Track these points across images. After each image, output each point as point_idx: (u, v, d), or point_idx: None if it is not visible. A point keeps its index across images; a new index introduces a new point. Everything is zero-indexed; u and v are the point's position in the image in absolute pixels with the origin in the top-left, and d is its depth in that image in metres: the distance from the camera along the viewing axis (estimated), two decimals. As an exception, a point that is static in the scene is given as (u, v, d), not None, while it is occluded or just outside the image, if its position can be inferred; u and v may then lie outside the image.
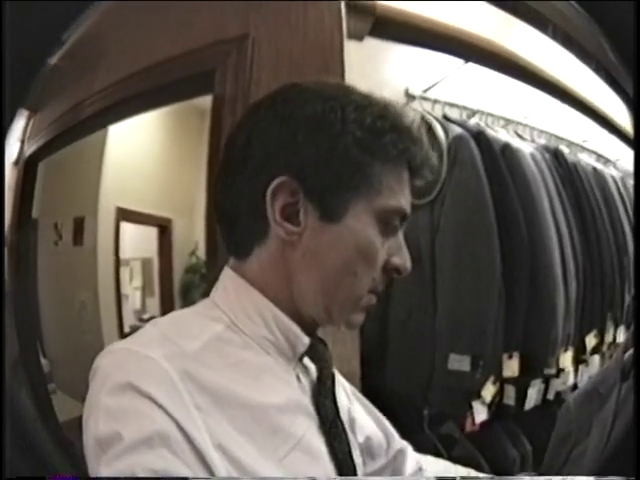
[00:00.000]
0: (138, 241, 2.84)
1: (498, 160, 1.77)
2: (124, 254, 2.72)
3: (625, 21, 0.70)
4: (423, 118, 1.79)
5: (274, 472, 0.80)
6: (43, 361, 2.45)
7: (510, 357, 1.76)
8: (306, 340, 0.89)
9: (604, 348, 2.03)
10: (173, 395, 0.72)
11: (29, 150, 2.57)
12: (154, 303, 2.71)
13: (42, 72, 0.68)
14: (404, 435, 1.80)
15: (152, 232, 2.84)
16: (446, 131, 1.76)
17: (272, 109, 0.86)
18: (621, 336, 2.04)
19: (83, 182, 2.66)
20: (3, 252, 0.78)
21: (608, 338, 2.04)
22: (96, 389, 0.73)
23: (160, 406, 0.70)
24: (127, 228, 2.71)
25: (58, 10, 0.67)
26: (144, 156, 2.56)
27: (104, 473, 0.68)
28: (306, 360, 0.92)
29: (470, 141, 1.75)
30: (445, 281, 1.72)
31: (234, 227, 0.89)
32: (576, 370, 1.94)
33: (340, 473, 0.91)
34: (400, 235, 0.90)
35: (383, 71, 1.86)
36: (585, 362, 1.97)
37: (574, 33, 1.87)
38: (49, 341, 2.50)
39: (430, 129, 1.77)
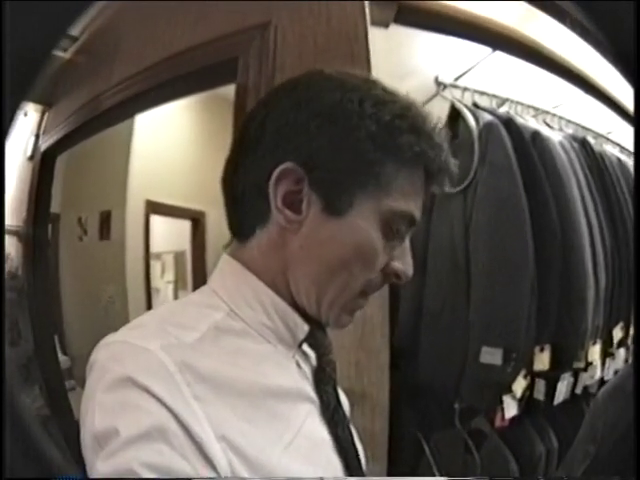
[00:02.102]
0: (170, 234, 2.78)
1: (529, 147, 1.73)
2: (155, 248, 2.67)
3: (625, 21, 0.66)
4: (454, 107, 1.76)
5: (280, 461, 0.78)
6: (62, 358, 2.41)
7: (542, 350, 1.72)
8: (306, 327, 0.87)
9: (629, 341, 2.01)
10: (171, 387, 0.70)
11: (45, 144, 2.49)
12: None
13: (49, 68, 0.64)
14: (434, 429, 1.79)
15: (185, 225, 2.78)
16: (477, 118, 1.72)
17: (292, 94, 0.84)
18: (646, 329, 2.02)
19: (109, 175, 2.59)
20: (3, 251, 0.72)
21: (632, 331, 2.02)
22: (93, 383, 0.72)
23: (158, 399, 0.69)
24: (157, 221, 2.66)
25: (58, 9, 0.63)
26: (172, 148, 2.50)
27: (101, 469, 0.66)
28: (306, 348, 0.91)
29: (501, 128, 1.70)
30: (478, 272, 1.67)
31: (238, 207, 0.87)
32: (603, 363, 1.91)
33: (345, 461, 0.90)
34: (406, 240, 0.87)
35: (412, 59, 1.82)
36: (612, 355, 1.94)
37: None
38: (71, 337, 2.43)
39: (460, 116, 1.73)
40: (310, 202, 0.80)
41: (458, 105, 1.74)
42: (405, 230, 0.85)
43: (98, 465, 0.66)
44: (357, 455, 0.94)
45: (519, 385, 1.70)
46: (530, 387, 1.75)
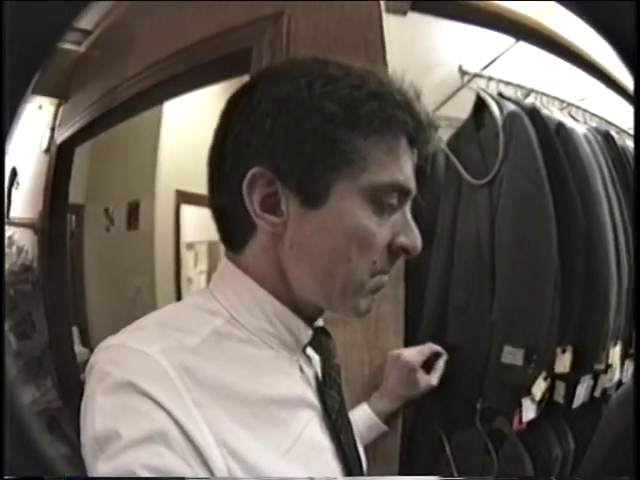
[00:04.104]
0: (203, 224, 2.73)
1: (553, 138, 1.67)
2: (188, 237, 2.64)
3: (625, 21, 0.66)
4: (479, 97, 1.69)
5: (278, 467, 0.78)
6: (81, 350, 2.38)
7: (564, 352, 1.65)
8: (309, 331, 0.88)
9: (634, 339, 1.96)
10: (171, 392, 0.71)
11: (61, 137, 2.45)
12: None
13: (52, 64, 0.63)
14: (455, 428, 1.73)
15: None
16: (501, 108, 1.66)
17: (244, 98, 0.83)
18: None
19: (137, 166, 2.54)
20: (3, 251, 0.69)
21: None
22: (93, 387, 0.72)
23: (158, 404, 0.69)
24: (189, 211, 2.61)
25: (60, 6, 0.61)
26: (201, 137, 2.43)
27: (102, 470, 0.66)
28: (310, 352, 0.91)
29: (525, 118, 1.64)
30: (503, 268, 1.61)
31: (224, 222, 0.87)
32: (622, 365, 1.85)
33: (346, 467, 0.89)
34: (406, 212, 0.83)
35: (434, 48, 1.76)
36: (631, 357, 1.88)
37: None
38: (95, 329, 2.40)
39: (485, 106, 1.67)
40: (287, 201, 0.79)
41: (483, 95, 1.68)
42: (399, 202, 0.81)
43: (99, 467, 0.66)
44: (359, 460, 0.94)
45: (539, 387, 1.64)
46: (550, 389, 1.69)
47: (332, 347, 0.94)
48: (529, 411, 1.65)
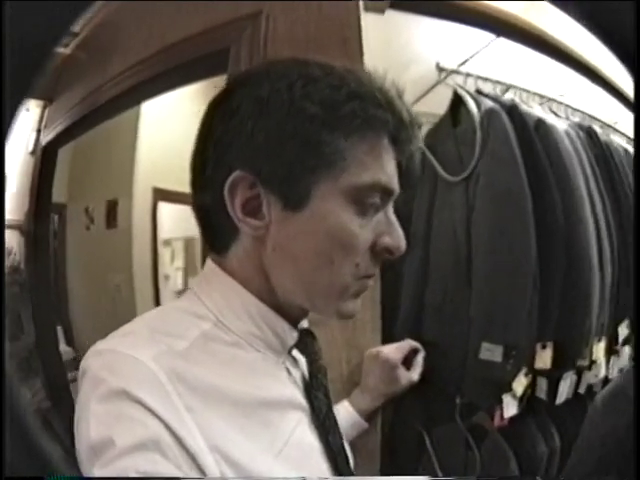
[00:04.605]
0: (179, 221, 2.77)
1: (532, 135, 1.67)
2: (164, 234, 2.68)
3: (625, 21, 0.64)
4: (456, 94, 1.69)
5: (271, 470, 0.78)
6: (66, 349, 2.41)
7: (544, 347, 1.65)
8: (295, 333, 0.88)
9: (634, 339, 1.94)
10: (163, 399, 0.71)
11: (46, 138, 2.50)
12: None
13: (49, 64, 0.64)
14: (435, 424, 1.73)
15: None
16: (478, 105, 1.65)
17: (224, 102, 0.83)
18: (652, 328, 1.96)
19: (116, 165, 2.59)
20: (3, 250, 0.70)
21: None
22: (87, 394, 0.72)
23: (151, 411, 0.69)
24: (165, 208, 2.65)
25: (59, 7, 0.62)
26: (178, 136, 2.48)
27: (98, 476, 0.67)
28: (296, 353, 0.91)
29: (503, 115, 1.64)
30: (480, 265, 1.61)
31: (208, 225, 0.87)
32: (607, 361, 1.85)
33: (335, 468, 0.90)
34: (389, 212, 0.83)
35: (412, 46, 1.76)
36: (616, 353, 1.88)
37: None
38: (77, 328, 2.44)
39: (462, 103, 1.67)
40: (269, 204, 0.78)
41: (460, 91, 1.68)
42: (382, 202, 0.81)
43: (95, 472, 0.67)
44: (347, 461, 0.94)
45: (520, 383, 1.63)
46: (531, 386, 1.68)
47: (317, 349, 0.94)
48: (510, 407, 1.64)
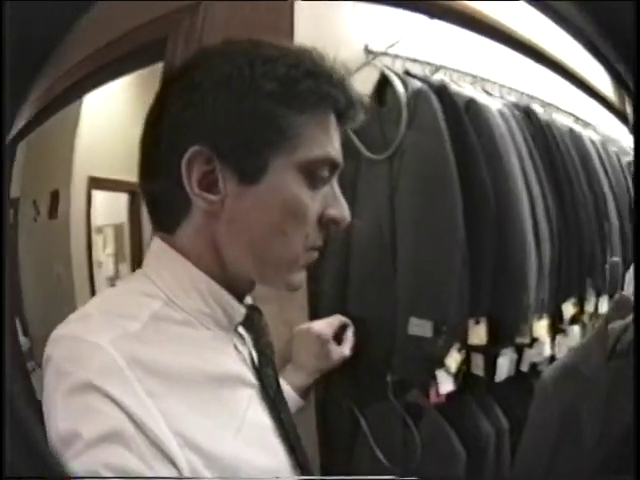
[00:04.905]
0: (110, 208, 2.87)
1: (461, 115, 1.67)
2: (97, 222, 2.77)
3: (625, 21, 0.67)
4: (383, 75, 1.71)
5: (232, 450, 0.80)
6: (23, 339, 2.47)
7: (477, 323, 1.64)
8: (242, 309, 0.89)
9: (585, 318, 1.93)
10: (125, 386, 0.72)
11: (9, 136, 2.61)
12: (126, 269, 2.73)
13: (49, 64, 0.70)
14: (369, 402, 1.73)
15: (123, 198, 2.87)
16: (406, 86, 1.67)
17: (183, 80, 0.84)
18: (604, 306, 1.94)
19: (58, 157, 2.69)
20: (3, 250, 0.75)
21: (589, 307, 1.94)
22: (53, 386, 0.74)
23: (115, 401, 0.71)
24: (99, 196, 2.75)
25: (59, 9, 0.67)
26: (113, 125, 2.58)
27: (72, 467, 0.67)
28: (242, 330, 0.92)
29: (431, 95, 1.65)
30: (404, 242, 1.63)
31: (157, 203, 0.88)
32: (553, 340, 1.83)
33: (289, 446, 0.91)
34: (334, 185, 0.87)
35: (343, 29, 1.78)
36: (563, 332, 1.86)
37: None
38: (31, 318, 2.51)
39: (389, 84, 1.69)
40: (225, 178, 0.80)
41: (387, 72, 1.70)
42: (329, 175, 0.85)
43: (69, 463, 0.68)
44: (299, 439, 0.95)
45: (453, 359, 1.63)
46: (467, 362, 1.68)
47: (264, 324, 0.95)
48: (445, 383, 1.64)
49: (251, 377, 0.89)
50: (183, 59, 1.72)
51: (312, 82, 0.80)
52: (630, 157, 2.29)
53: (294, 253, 0.85)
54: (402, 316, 1.62)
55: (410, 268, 1.62)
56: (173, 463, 0.72)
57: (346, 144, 1.67)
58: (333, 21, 1.75)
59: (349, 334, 1.59)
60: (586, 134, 2.10)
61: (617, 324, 1.46)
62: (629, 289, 1.68)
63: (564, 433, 1.49)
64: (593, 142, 2.09)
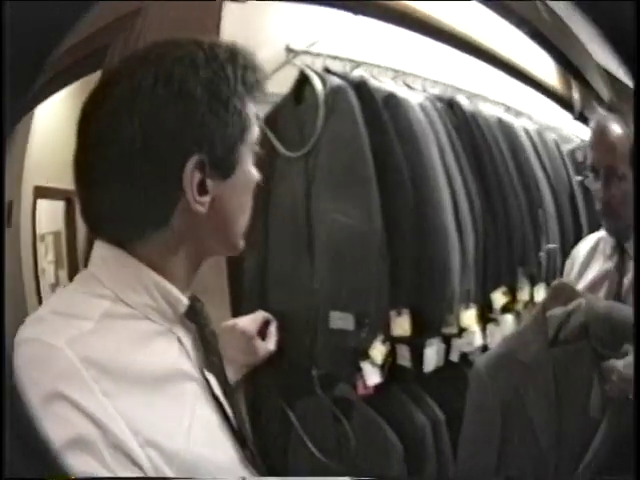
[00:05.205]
0: (50, 216, 2.92)
1: (380, 110, 1.69)
2: (40, 230, 2.82)
3: (625, 21, 0.69)
4: (302, 73, 1.73)
5: (187, 446, 0.82)
6: None
7: (399, 314, 1.66)
8: (185, 300, 0.90)
9: (519, 307, 1.93)
10: (84, 389, 0.73)
11: None
12: (64, 275, 2.76)
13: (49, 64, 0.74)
14: (298, 397, 1.76)
15: (60, 205, 2.92)
16: (324, 83, 1.69)
17: (158, 88, 0.83)
18: (540, 294, 1.94)
19: (14, 169, 2.76)
20: (3, 251, 0.79)
21: (523, 296, 1.94)
22: (27, 393, 0.73)
23: (78, 407, 0.72)
24: (43, 205, 2.81)
25: (59, 10, 0.71)
26: (57, 135, 2.64)
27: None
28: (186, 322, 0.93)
29: (349, 91, 1.67)
30: (322, 237, 1.65)
31: (117, 212, 0.86)
32: (483, 330, 1.83)
33: (239, 440, 0.94)
34: None
35: (266, 28, 1.82)
36: (494, 321, 1.87)
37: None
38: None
39: (308, 82, 1.71)
40: (213, 178, 0.85)
41: (306, 70, 1.72)
42: None
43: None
44: (246, 434, 0.97)
45: (378, 351, 1.65)
46: (393, 353, 1.69)
47: (206, 314, 0.97)
48: (372, 375, 1.65)
49: (194, 371, 0.90)
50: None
51: (253, 73, 0.88)
52: (572, 144, 2.30)
53: (246, 222, 0.93)
54: (323, 310, 1.65)
55: (328, 262, 1.65)
56: (136, 463, 0.74)
57: (263, 142, 1.72)
58: (258, 21, 1.78)
59: (272, 329, 1.61)
60: (519, 123, 2.10)
61: (557, 311, 1.47)
62: (570, 276, 1.69)
63: (510, 422, 1.50)
64: (527, 131, 2.10)
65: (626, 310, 1.53)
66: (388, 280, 1.64)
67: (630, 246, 1.57)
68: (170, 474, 0.78)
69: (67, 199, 2.83)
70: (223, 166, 0.85)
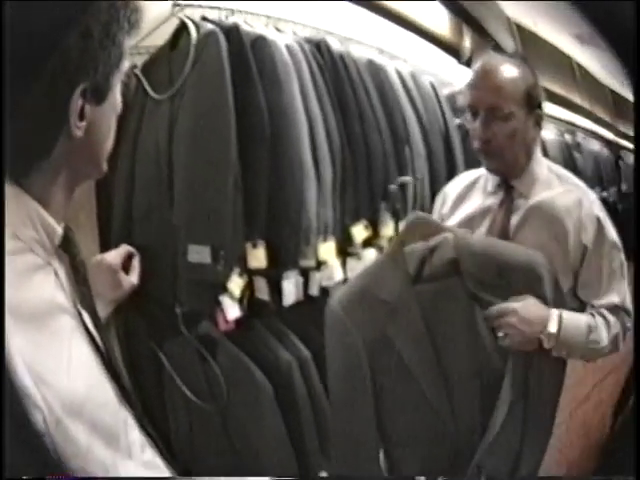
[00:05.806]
0: None
1: (246, 52, 1.75)
2: None
3: (625, 21, 0.70)
4: (183, 23, 1.77)
5: (71, 384, 0.82)
6: None
7: (255, 246, 1.72)
8: (60, 230, 0.91)
9: (382, 242, 1.98)
10: None
11: None
12: None
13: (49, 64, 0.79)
14: (164, 337, 1.80)
15: None
16: (199, 29, 1.74)
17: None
18: (404, 230, 1.99)
19: None
20: (3, 251, 0.79)
21: (387, 232, 2.00)
22: None
23: None
24: None
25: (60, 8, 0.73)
26: None
27: None
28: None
29: (219, 36, 1.72)
30: (180, 174, 1.71)
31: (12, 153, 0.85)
32: (344, 264, 1.89)
33: (114, 377, 0.94)
34: None
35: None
36: (356, 255, 1.92)
37: None
38: None
39: (186, 30, 1.75)
40: (90, 103, 0.87)
41: (184, 18, 1.76)
42: None
43: None
44: (119, 365, 1.02)
45: (236, 284, 1.70)
46: (251, 286, 1.75)
47: (77, 243, 0.97)
48: (231, 309, 1.70)
49: (69, 305, 0.91)
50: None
51: (135, 14, 0.91)
52: (452, 88, 2.36)
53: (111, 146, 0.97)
54: (182, 244, 1.70)
55: (185, 195, 1.70)
56: (37, 405, 0.75)
57: (137, 89, 1.74)
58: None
59: (135, 263, 1.67)
60: (392, 65, 2.14)
61: (417, 246, 1.46)
62: (442, 212, 1.70)
63: (380, 362, 1.50)
64: (400, 73, 2.14)
65: (505, 246, 1.52)
66: (243, 212, 1.69)
67: (519, 183, 1.57)
68: (62, 415, 0.78)
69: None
70: (99, 92, 0.88)
